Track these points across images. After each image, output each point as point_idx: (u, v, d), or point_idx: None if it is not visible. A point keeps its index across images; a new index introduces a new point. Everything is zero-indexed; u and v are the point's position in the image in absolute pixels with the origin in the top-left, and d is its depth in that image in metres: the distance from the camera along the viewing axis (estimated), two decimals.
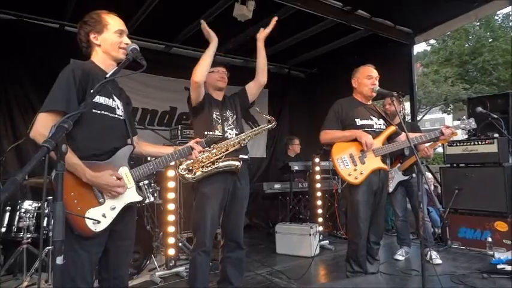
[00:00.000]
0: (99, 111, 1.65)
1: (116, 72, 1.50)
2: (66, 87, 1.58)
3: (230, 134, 2.61)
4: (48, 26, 4.64)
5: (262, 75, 2.75)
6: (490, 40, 16.00)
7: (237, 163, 2.51)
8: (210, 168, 2.45)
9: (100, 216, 1.57)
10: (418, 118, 9.49)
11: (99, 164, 1.62)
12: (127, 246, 1.84)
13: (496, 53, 15.40)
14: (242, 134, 2.59)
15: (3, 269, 3.29)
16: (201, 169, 2.44)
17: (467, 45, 16.64)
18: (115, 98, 1.76)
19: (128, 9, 4.42)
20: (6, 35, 4.28)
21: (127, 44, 1.75)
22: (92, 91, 1.41)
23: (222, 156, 2.47)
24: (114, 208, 1.62)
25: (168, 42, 5.48)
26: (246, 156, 2.61)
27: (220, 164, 2.47)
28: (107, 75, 1.54)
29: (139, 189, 1.74)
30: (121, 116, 1.77)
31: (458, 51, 16.49)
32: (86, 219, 1.52)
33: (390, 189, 3.82)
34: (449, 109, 19.10)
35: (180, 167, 2.43)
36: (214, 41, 2.49)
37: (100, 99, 1.66)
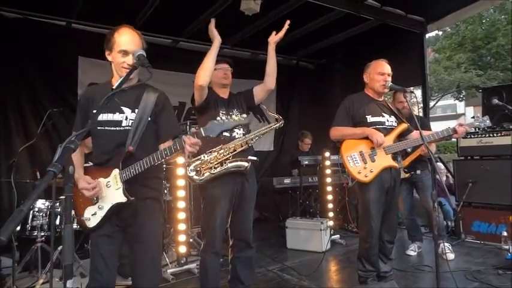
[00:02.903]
0: (102, 128, 1.85)
1: (122, 83, 1.48)
2: (78, 113, 1.92)
3: (238, 133, 2.56)
4: (55, 23, 4.62)
5: (270, 81, 2.67)
6: (505, 24, 15.49)
7: (246, 164, 2.48)
8: (218, 169, 2.42)
9: (91, 214, 1.83)
10: (430, 105, 9.31)
11: (100, 168, 1.86)
12: (142, 251, 1.86)
13: (511, 37, 14.92)
14: (250, 134, 2.55)
15: (20, 266, 3.35)
16: (209, 170, 2.41)
17: (480, 29, 16.16)
18: (124, 109, 1.87)
19: (134, 4, 4.39)
20: (13, 34, 4.28)
21: (130, 65, 1.79)
22: (94, 111, 1.48)
23: (230, 157, 2.45)
24: (102, 208, 1.82)
25: (175, 37, 5.43)
26: (255, 158, 2.58)
27: (229, 165, 2.44)
28: (114, 87, 1.52)
29: (129, 189, 1.81)
30: (128, 125, 1.86)
31: (471, 36, 16.03)
32: (84, 216, 1.83)
33: None
34: (461, 96, 18.69)
35: (188, 168, 2.41)
36: (217, 42, 2.44)
37: (103, 116, 1.84)
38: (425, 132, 2.67)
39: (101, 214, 1.81)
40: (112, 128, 1.85)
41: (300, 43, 5.98)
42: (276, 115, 2.72)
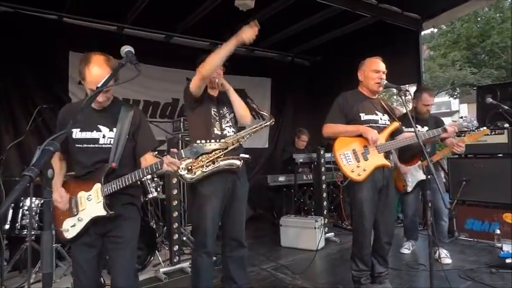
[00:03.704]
0: (80, 145, 1.94)
1: (107, 81, 1.43)
2: (57, 130, 1.89)
3: (228, 132, 2.54)
4: (47, 17, 4.52)
5: (243, 120, 2.62)
6: (500, 22, 15.52)
7: (238, 162, 2.46)
8: (210, 168, 2.38)
9: (70, 226, 1.89)
10: None
11: (81, 181, 1.94)
12: (121, 252, 1.96)
13: (505, 35, 14.97)
14: (242, 132, 2.52)
15: (9, 266, 3.30)
16: (200, 168, 2.38)
17: (475, 27, 16.18)
18: (101, 127, 1.95)
19: None
20: (3, 28, 4.18)
21: (101, 100, 1.90)
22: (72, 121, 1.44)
23: (221, 155, 2.41)
24: (81, 220, 1.88)
25: (168, 32, 5.35)
26: (247, 156, 2.54)
27: (221, 163, 2.41)
28: (99, 86, 1.47)
29: (111, 203, 1.89)
30: (106, 143, 1.94)
31: (466, 33, 16.04)
32: (63, 227, 1.88)
33: (409, 189, 3.65)
34: (456, 93, 18.75)
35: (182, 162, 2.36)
36: (234, 43, 2.29)
37: (81, 134, 1.93)
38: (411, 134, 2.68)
39: (80, 226, 1.88)
40: (90, 146, 1.93)
41: (295, 39, 5.95)
42: (265, 113, 2.67)
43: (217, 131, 2.48)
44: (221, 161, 2.41)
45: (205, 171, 2.39)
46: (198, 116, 2.53)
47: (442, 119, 3.85)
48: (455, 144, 3.37)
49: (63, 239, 1.92)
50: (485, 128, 3.26)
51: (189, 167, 2.39)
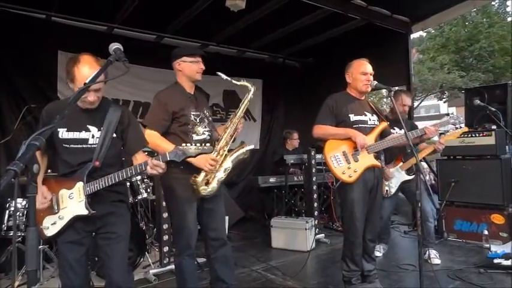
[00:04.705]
0: (68, 145, 1.90)
1: (97, 76, 1.41)
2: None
3: (207, 136, 2.49)
4: (35, 16, 4.45)
5: None
6: (487, 26, 15.82)
7: (247, 147, 2.47)
8: (223, 174, 2.37)
9: (50, 224, 1.87)
10: (414, 106, 9.41)
11: (64, 179, 1.92)
12: (116, 247, 1.96)
13: (492, 39, 15.25)
14: (229, 130, 2.46)
15: None
16: (216, 178, 2.36)
17: (463, 31, 16.46)
18: (90, 127, 1.93)
19: None
20: None
21: (93, 99, 1.87)
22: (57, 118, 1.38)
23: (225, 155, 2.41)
24: (62, 218, 1.86)
25: (159, 33, 5.31)
26: (253, 146, 2.54)
27: (230, 159, 2.41)
28: (87, 82, 1.45)
29: (93, 200, 1.89)
30: (95, 143, 1.92)
31: (455, 37, 16.31)
32: (43, 224, 1.85)
33: (393, 190, 3.61)
34: (444, 96, 19.04)
35: (196, 180, 2.30)
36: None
37: (69, 134, 1.90)
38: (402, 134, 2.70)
39: (61, 224, 1.86)
40: (79, 146, 1.91)
41: (286, 41, 5.96)
42: (245, 83, 2.62)
43: (196, 137, 2.41)
44: (230, 158, 2.42)
45: (222, 179, 2.38)
46: (178, 119, 2.41)
47: (432, 121, 3.88)
48: (438, 142, 3.45)
49: (43, 236, 1.89)
50: (462, 126, 3.29)
51: (206, 180, 2.35)
